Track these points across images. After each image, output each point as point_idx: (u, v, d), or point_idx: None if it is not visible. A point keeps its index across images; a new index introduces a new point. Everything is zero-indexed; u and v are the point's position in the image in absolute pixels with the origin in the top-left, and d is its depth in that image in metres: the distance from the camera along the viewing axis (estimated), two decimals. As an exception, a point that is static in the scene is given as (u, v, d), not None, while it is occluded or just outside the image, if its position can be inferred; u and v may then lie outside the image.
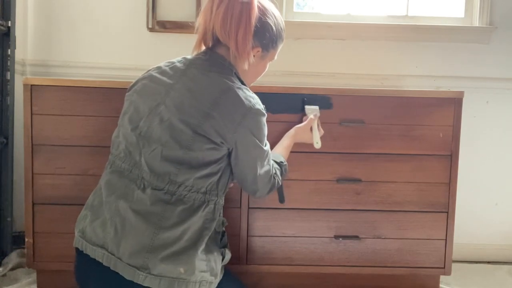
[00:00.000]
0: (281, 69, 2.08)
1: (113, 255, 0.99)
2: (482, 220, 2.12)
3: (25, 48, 2.04)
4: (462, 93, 1.62)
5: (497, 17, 2.08)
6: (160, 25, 2.06)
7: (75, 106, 1.57)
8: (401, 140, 1.61)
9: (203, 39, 1.14)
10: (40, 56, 2.07)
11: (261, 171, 1.12)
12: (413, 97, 1.61)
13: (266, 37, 1.13)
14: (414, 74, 2.11)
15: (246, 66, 1.11)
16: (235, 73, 1.12)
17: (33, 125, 1.57)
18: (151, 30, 2.07)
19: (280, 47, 1.22)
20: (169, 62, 1.15)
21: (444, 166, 1.62)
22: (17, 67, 1.97)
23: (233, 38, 1.07)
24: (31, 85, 1.56)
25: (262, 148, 1.10)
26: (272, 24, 1.14)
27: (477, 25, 2.09)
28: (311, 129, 1.50)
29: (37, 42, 2.07)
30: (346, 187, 1.62)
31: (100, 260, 1.00)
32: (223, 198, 1.13)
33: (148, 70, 1.15)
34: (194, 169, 1.02)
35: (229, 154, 1.08)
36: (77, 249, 1.07)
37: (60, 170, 1.58)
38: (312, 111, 1.54)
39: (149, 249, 0.97)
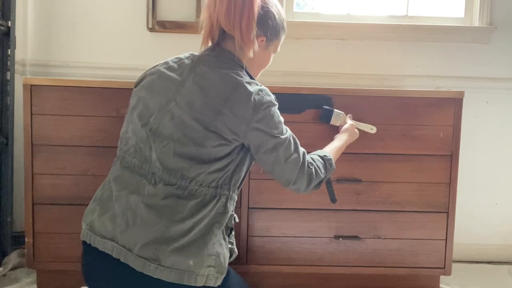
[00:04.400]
0: (281, 69, 2.08)
1: (124, 247, 0.99)
2: (482, 220, 2.12)
3: (25, 48, 2.04)
4: (462, 93, 1.62)
5: (497, 17, 2.08)
6: (160, 25, 2.06)
7: (75, 106, 1.57)
8: (401, 140, 1.61)
9: (210, 34, 1.14)
10: (40, 56, 2.07)
11: (287, 160, 1.09)
12: (413, 97, 1.61)
13: (269, 25, 1.15)
14: (414, 74, 2.11)
15: (251, 54, 1.11)
16: (243, 67, 1.13)
17: (33, 125, 1.56)
18: (151, 30, 2.07)
19: (283, 38, 1.23)
20: (176, 58, 1.15)
21: (444, 166, 1.62)
22: (17, 67, 1.97)
23: (238, 27, 1.08)
24: (31, 85, 1.56)
25: (280, 137, 1.08)
26: (274, 13, 1.16)
27: (477, 25, 2.09)
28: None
29: (37, 42, 2.07)
30: (346, 187, 1.62)
31: (110, 253, 1.01)
32: (237, 193, 1.13)
33: (156, 65, 1.16)
34: (206, 164, 1.03)
35: (242, 148, 1.08)
36: (84, 242, 1.08)
37: (60, 170, 1.58)
38: (338, 115, 1.55)
39: (160, 241, 0.98)
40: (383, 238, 1.64)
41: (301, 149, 1.14)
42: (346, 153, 1.60)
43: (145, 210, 1.01)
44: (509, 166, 2.12)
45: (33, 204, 1.58)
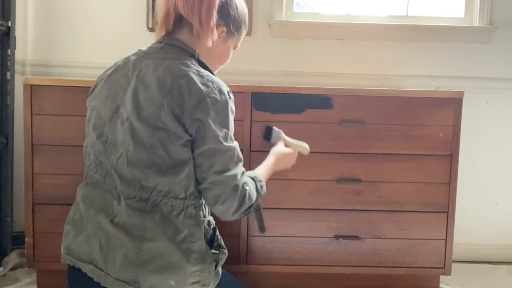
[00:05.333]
0: (281, 69, 2.08)
1: (102, 270, 0.96)
2: (482, 220, 2.12)
3: (25, 48, 2.04)
4: (462, 93, 1.62)
5: (497, 17, 2.08)
6: (160, 25, 2.06)
7: (75, 106, 1.56)
8: (401, 140, 1.61)
9: (165, 21, 1.05)
10: (40, 56, 2.07)
11: (224, 172, 0.97)
12: (413, 97, 1.61)
13: (230, 15, 1.08)
14: (414, 74, 2.11)
15: (210, 43, 1.03)
16: (195, 56, 1.04)
17: (33, 125, 1.56)
18: (151, 30, 2.07)
19: (244, 34, 1.16)
20: (125, 57, 1.07)
21: (444, 166, 1.62)
22: (17, 67, 1.97)
23: (197, 12, 1.00)
24: (31, 85, 1.56)
25: (223, 143, 0.97)
26: (237, 3, 1.10)
27: (477, 25, 2.09)
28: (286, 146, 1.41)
29: (37, 42, 2.07)
30: (346, 187, 1.62)
31: (91, 275, 0.98)
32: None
33: (106, 70, 1.09)
34: (164, 172, 0.95)
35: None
36: (68, 264, 1.05)
37: (60, 170, 1.58)
38: (278, 134, 1.45)
39: (136, 263, 0.94)
40: (383, 238, 1.64)
41: (242, 168, 1.03)
42: (346, 153, 1.60)
43: (115, 230, 0.95)
44: (509, 166, 2.12)
45: (33, 204, 1.58)
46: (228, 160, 0.99)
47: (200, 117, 0.95)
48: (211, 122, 0.95)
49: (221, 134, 0.97)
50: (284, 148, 1.37)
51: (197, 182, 1.00)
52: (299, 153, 1.43)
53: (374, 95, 1.61)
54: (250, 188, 1.03)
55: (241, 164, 1.03)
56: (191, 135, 0.96)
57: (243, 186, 1.00)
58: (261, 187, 1.09)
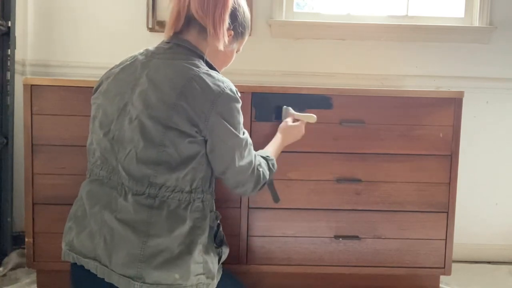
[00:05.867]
0: (281, 69, 2.08)
1: (106, 266, 0.97)
2: (482, 220, 2.12)
3: (25, 48, 2.04)
4: (462, 93, 1.62)
5: (497, 17, 2.08)
6: (160, 25, 2.06)
7: (75, 106, 1.57)
8: (401, 140, 1.61)
9: (176, 22, 1.08)
10: (40, 56, 2.07)
11: (241, 162, 1.05)
12: (413, 97, 1.61)
13: (238, 20, 1.12)
14: (414, 74, 2.11)
15: (221, 46, 1.06)
16: (204, 57, 1.07)
17: (33, 125, 1.56)
18: (151, 30, 2.07)
19: (246, 38, 1.20)
20: (131, 56, 1.10)
21: (444, 166, 1.62)
22: (17, 67, 1.97)
23: (211, 15, 1.03)
24: (31, 85, 1.56)
25: (239, 136, 1.03)
26: (244, 8, 1.13)
27: (477, 25, 2.09)
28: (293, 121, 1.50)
29: (37, 42, 2.07)
30: (346, 187, 1.62)
31: (94, 272, 0.99)
32: (213, 191, 1.09)
33: (111, 68, 1.11)
34: (173, 169, 0.98)
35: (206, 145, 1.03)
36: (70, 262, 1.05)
37: (60, 170, 1.58)
38: (286, 110, 1.54)
39: (141, 258, 0.95)
40: (383, 238, 1.64)
41: (253, 152, 1.11)
42: (346, 153, 1.60)
43: (120, 226, 0.96)
44: (509, 166, 2.12)
45: (33, 204, 1.58)
46: (244, 149, 1.06)
47: (214, 118, 0.98)
48: (225, 122, 1.00)
49: (236, 130, 1.03)
50: (291, 122, 1.46)
51: (214, 173, 1.07)
52: (307, 123, 1.51)
53: (374, 95, 1.61)
54: (264, 168, 1.14)
55: (252, 147, 1.11)
56: (204, 135, 1.00)
57: (257, 168, 1.11)
58: (273, 165, 1.21)
